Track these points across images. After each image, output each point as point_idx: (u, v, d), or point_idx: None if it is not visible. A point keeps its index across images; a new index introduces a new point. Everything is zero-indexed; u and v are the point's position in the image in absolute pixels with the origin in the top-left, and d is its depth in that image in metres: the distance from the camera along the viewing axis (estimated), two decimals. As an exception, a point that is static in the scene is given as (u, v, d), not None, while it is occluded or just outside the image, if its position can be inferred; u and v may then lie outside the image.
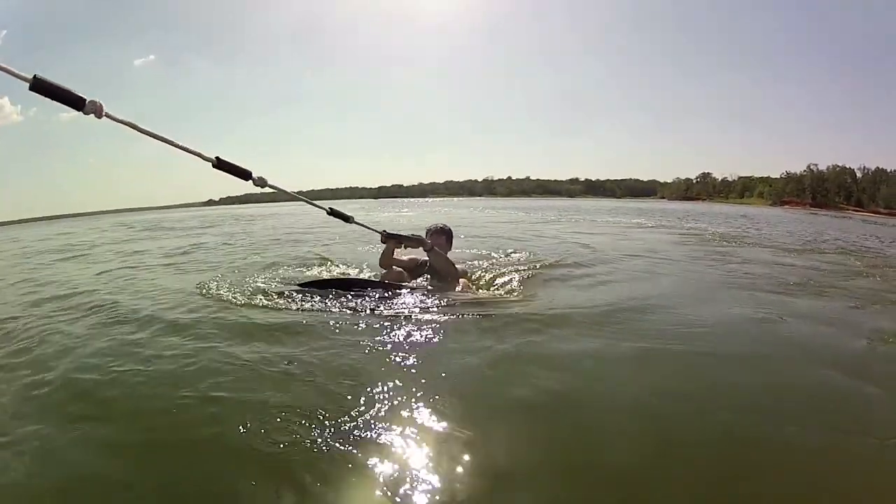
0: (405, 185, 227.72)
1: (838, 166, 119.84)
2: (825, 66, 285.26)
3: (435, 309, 4.42)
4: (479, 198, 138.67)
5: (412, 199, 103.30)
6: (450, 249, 5.63)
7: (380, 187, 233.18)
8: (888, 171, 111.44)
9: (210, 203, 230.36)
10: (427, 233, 5.54)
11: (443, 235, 5.57)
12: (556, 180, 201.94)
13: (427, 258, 5.27)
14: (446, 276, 5.26)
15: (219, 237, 14.11)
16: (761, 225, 21.49)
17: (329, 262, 7.32)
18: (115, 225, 25.17)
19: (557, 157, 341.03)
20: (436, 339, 3.71)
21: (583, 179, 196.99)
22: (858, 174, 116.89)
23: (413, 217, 26.25)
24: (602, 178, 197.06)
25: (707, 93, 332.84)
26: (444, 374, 3.09)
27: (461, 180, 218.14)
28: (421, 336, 3.74)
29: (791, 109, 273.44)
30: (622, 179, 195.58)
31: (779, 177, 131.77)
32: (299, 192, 4.50)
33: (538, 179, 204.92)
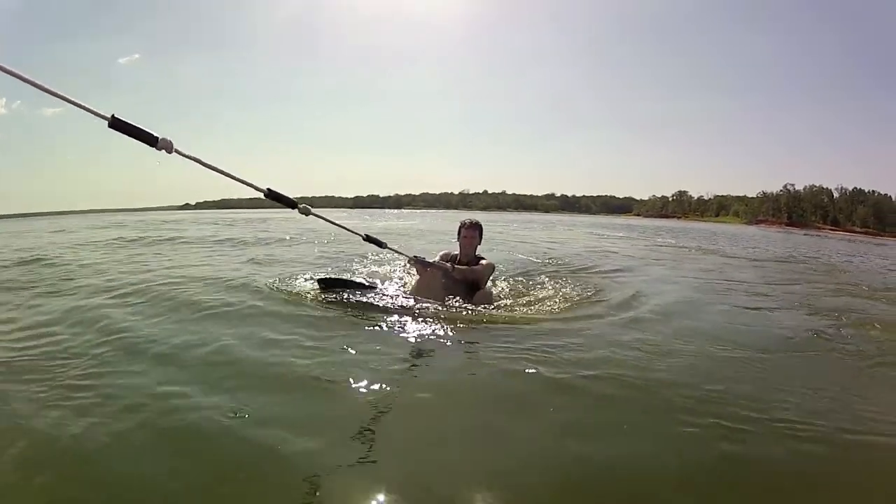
0: (381, 195, 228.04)
1: (815, 186, 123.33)
2: (806, 87, 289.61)
3: (439, 318, 4.84)
4: (454, 210, 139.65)
5: (388, 211, 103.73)
6: (479, 243, 6.00)
7: (356, 197, 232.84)
8: (866, 191, 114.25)
9: (186, 207, 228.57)
10: (461, 226, 5.93)
11: (475, 230, 5.89)
12: (531, 195, 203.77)
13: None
14: (473, 281, 5.69)
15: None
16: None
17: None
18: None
19: (534, 171, 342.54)
20: (434, 346, 4.13)
21: (559, 195, 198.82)
22: (836, 194, 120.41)
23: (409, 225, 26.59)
24: (578, 195, 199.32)
25: (686, 110, 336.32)
26: (442, 378, 3.47)
27: (437, 192, 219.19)
28: (416, 344, 4.14)
29: (770, 130, 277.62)
30: (598, 196, 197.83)
31: (755, 196, 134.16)
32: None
33: (514, 194, 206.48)
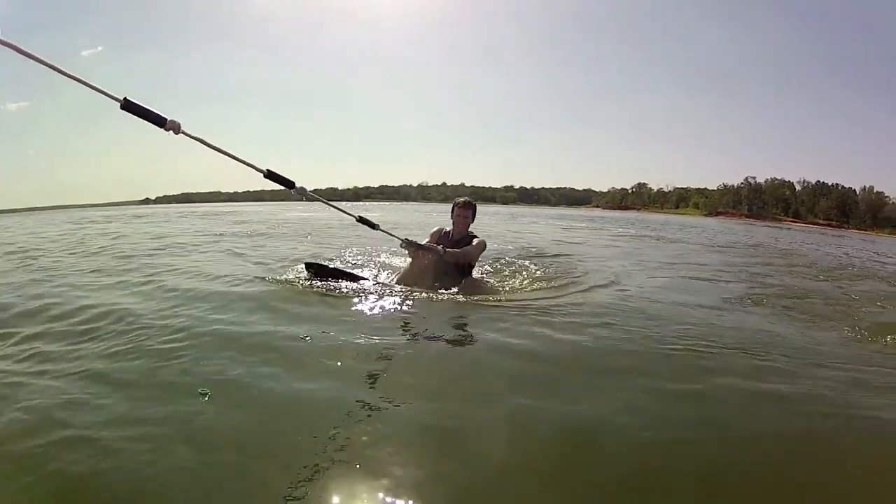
0: (339, 188, 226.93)
1: (777, 179, 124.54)
2: (770, 81, 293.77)
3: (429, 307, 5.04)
4: (413, 203, 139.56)
5: (347, 203, 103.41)
6: (472, 221, 6.21)
7: (314, 190, 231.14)
8: (829, 184, 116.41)
9: (147, 202, 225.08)
10: (454, 205, 6.16)
11: (468, 209, 6.12)
12: (490, 187, 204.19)
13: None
14: (464, 263, 5.94)
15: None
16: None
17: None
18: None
19: (492, 164, 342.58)
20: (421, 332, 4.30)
21: (517, 187, 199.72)
22: (798, 187, 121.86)
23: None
24: (537, 186, 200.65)
25: (648, 105, 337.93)
26: (431, 368, 3.61)
27: (396, 185, 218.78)
28: (404, 329, 4.37)
29: (732, 124, 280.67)
30: (557, 188, 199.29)
31: (715, 189, 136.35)
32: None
33: (472, 186, 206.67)
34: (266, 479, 2.17)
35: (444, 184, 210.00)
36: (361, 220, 5.37)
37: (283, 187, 4.49)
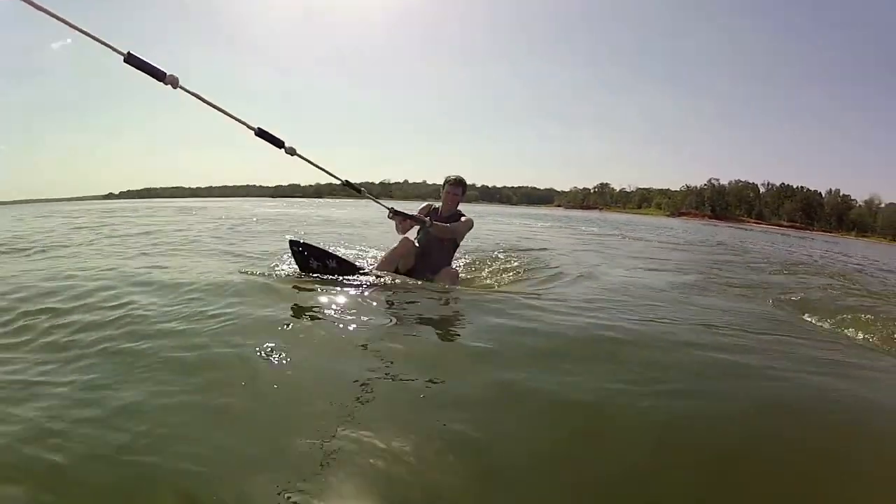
0: (302, 184, 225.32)
1: (741, 181, 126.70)
2: (743, 83, 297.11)
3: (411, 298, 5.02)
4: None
5: (309, 200, 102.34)
6: (462, 199, 6.33)
7: (276, 186, 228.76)
8: (794, 186, 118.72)
9: (111, 196, 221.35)
10: (445, 182, 6.23)
11: (459, 187, 6.21)
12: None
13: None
14: (451, 238, 6.10)
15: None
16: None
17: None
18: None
19: (450, 162, 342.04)
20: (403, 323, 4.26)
21: (479, 185, 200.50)
22: (762, 189, 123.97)
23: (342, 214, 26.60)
24: (499, 185, 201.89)
25: (616, 104, 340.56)
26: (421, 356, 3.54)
27: (357, 182, 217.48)
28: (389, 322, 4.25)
29: (700, 125, 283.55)
30: (519, 187, 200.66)
31: (678, 190, 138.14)
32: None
33: (434, 184, 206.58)
34: (292, 439, 2.27)
35: (405, 181, 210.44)
36: (348, 183, 5.63)
37: (273, 146, 4.68)
